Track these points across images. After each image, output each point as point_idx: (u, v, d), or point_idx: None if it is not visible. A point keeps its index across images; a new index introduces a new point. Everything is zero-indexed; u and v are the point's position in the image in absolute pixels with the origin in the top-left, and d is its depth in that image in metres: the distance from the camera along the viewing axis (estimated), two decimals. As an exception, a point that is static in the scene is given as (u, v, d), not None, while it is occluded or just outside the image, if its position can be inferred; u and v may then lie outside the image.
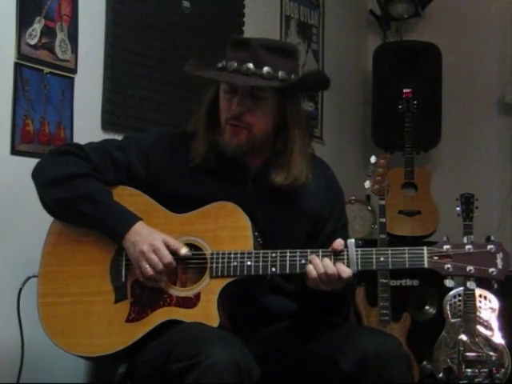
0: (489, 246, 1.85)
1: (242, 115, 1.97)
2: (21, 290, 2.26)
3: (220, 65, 2.00)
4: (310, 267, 1.87)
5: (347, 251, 1.88)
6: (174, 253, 1.93)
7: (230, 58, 1.98)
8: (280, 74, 1.96)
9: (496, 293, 3.33)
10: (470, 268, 1.84)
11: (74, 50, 2.72)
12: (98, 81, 2.86)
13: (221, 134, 2.01)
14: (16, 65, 2.51)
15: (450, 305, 3.38)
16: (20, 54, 2.52)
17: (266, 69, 1.94)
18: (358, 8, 4.78)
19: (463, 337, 3.30)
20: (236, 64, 1.96)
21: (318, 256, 1.89)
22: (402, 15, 4.69)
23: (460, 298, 3.36)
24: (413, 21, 4.78)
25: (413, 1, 4.60)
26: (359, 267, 1.88)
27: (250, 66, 1.94)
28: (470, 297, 3.31)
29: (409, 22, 4.79)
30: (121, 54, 2.93)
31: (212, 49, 3.30)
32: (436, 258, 1.85)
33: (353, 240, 1.89)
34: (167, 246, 1.93)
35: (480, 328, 3.31)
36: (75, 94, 2.73)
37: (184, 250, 1.93)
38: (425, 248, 1.87)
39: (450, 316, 3.37)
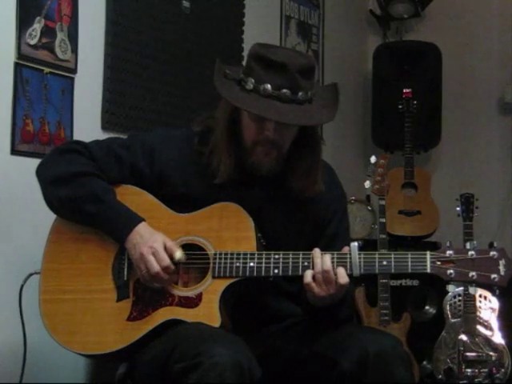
0: (491, 253, 1.85)
1: (275, 139, 1.95)
2: (22, 286, 2.27)
3: (251, 86, 1.91)
4: (307, 272, 1.87)
5: (350, 254, 1.88)
6: (171, 256, 1.93)
7: (262, 79, 1.89)
8: (309, 94, 1.93)
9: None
10: (472, 274, 1.84)
11: (74, 50, 2.72)
12: (98, 81, 2.86)
13: (248, 154, 1.98)
14: (16, 65, 2.51)
15: (450, 305, 3.38)
16: (20, 54, 2.52)
17: (300, 94, 1.90)
18: (358, 8, 4.78)
19: (463, 337, 3.30)
20: (270, 88, 1.88)
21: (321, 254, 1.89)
22: (402, 15, 4.69)
23: (460, 298, 3.36)
24: (413, 21, 4.78)
25: (413, 1, 4.60)
26: (362, 270, 1.88)
27: (287, 92, 1.89)
28: (469, 297, 3.31)
29: (409, 21, 4.79)
30: (121, 54, 2.93)
31: (212, 49, 3.30)
32: (439, 263, 1.85)
33: (356, 243, 1.89)
34: (165, 249, 1.93)
35: (480, 328, 3.31)
36: (75, 94, 2.73)
37: (178, 255, 1.92)
38: (428, 253, 1.86)
39: (450, 316, 3.37)
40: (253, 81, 1.91)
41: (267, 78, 1.89)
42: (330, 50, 4.38)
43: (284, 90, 1.88)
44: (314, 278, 1.87)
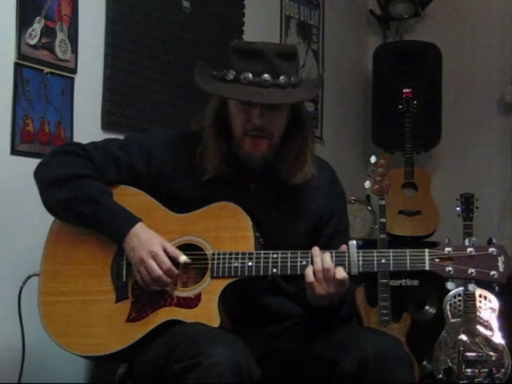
0: (490, 249, 1.85)
1: (263, 125, 1.95)
2: (22, 288, 2.26)
3: (231, 76, 1.93)
4: (309, 271, 1.87)
5: (348, 252, 1.88)
6: (172, 259, 1.93)
7: (242, 68, 1.92)
8: (293, 79, 1.94)
9: (496, 293, 3.33)
10: (471, 271, 1.84)
11: (74, 50, 2.72)
12: (98, 81, 2.86)
13: (238, 146, 1.99)
14: (16, 65, 2.51)
15: (450, 305, 3.38)
16: (20, 54, 2.52)
17: (281, 78, 1.91)
18: (358, 8, 4.78)
19: (463, 337, 3.30)
20: (251, 75, 1.91)
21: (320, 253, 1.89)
22: (402, 15, 4.69)
23: (460, 297, 3.36)
24: (413, 21, 4.78)
25: (413, 1, 4.60)
26: (360, 269, 1.88)
27: (268, 77, 1.90)
28: (469, 297, 3.31)
29: (409, 21, 4.79)
30: (121, 54, 2.93)
31: (212, 49, 3.30)
32: (437, 260, 1.85)
33: (354, 241, 1.89)
34: (166, 252, 1.93)
35: (480, 328, 3.31)
36: (75, 94, 2.73)
37: (183, 258, 1.93)
38: (426, 250, 1.86)
39: (450, 316, 3.37)
40: (233, 72, 1.93)
41: (246, 66, 1.91)
42: (330, 50, 4.38)
43: (265, 75, 1.90)
44: (314, 276, 1.87)
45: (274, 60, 1.91)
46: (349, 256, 1.88)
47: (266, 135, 1.97)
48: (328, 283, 1.87)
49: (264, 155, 1.99)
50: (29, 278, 2.23)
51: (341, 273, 1.86)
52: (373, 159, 3.35)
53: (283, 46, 1.99)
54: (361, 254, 1.88)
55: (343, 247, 1.90)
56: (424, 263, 1.86)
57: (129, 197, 2.02)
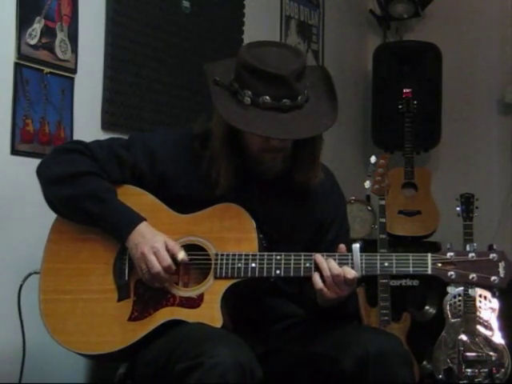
0: (491, 255, 1.87)
1: (281, 145, 1.93)
2: (21, 286, 2.26)
3: (249, 100, 1.86)
4: (316, 277, 1.88)
5: (351, 255, 1.89)
6: (173, 256, 1.93)
7: (260, 91, 1.84)
8: (306, 92, 1.90)
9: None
10: (472, 276, 1.85)
11: (74, 50, 2.73)
12: (98, 81, 2.87)
13: (256, 161, 1.98)
14: (16, 65, 2.52)
15: (450, 305, 3.38)
16: (20, 54, 2.52)
17: (299, 98, 1.87)
18: (357, 8, 4.79)
19: (463, 337, 3.30)
20: (269, 99, 1.84)
21: (323, 257, 1.89)
22: (402, 15, 4.69)
23: (460, 298, 3.36)
24: (413, 21, 4.79)
25: (413, 1, 4.60)
26: (363, 272, 1.88)
27: (287, 101, 1.86)
28: (469, 297, 3.31)
29: (409, 21, 4.79)
30: (121, 54, 2.93)
31: (212, 49, 3.31)
32: (439, 264, 1.87)
33: (357, 245, 1.89)
34: (167, 249, 1.93)
35: (480, 328, 3.31)
36: (75, 94, 2.74)
37: (181, 255, 1.92)
38: (429, 254, 1.88)
39: (449, 316, 3.37)
40: (249, 93, 1.86)
41: (264, 89, 1.85)
42: (330, 50, 4.38)
43: (284, 100, 1.86)
44: (324, 282, 1.88)
45: (294, 83, 1.85)
46: (352, 259, 1.88)
47: (279, 151, 1.96)
48: (340, 286, 1.87)
49: (280, 166, 2.01)
50: (29, 275, 2.24)
51: (350, 272, 1.86)
52: (373, 159, 3.35)
53: (297, 64, 1.89)
54: (364, 258, 1.89)
55: (341, 247, 1.91)
56: (426, 267, 1.87)
57: (132, 196, 2.02)
